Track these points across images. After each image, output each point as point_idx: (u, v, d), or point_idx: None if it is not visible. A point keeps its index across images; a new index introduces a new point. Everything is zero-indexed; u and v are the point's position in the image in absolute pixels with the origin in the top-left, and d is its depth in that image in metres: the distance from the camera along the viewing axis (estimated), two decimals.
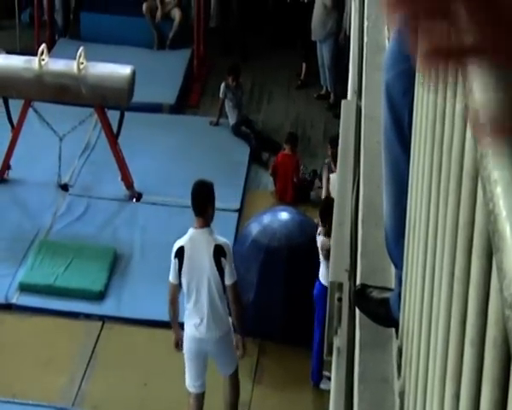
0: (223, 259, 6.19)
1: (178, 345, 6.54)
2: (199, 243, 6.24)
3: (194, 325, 6.32)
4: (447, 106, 1.65)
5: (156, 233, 9.05)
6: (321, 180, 9.90)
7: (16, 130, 9.54)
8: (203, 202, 6.33)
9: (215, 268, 6.19)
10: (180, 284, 6.31)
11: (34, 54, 9.45)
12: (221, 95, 10.96)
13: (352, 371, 2.81)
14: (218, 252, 6.18)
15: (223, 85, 10.90)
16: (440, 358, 1.64)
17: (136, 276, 8.49)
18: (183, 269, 6.24)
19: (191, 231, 6.32)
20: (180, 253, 6.25)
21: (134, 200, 9.59)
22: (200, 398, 6.57)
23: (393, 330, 2.61)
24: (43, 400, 7.10)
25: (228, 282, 6.24)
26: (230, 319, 6.43)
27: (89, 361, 7.48)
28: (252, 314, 7.33)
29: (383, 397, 2.49)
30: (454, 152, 1.53)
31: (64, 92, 9.20)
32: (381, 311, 2.64)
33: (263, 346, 7.60)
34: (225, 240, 6.38)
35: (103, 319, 7.95)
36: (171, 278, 6.35)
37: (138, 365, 7.47)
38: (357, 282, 2.97)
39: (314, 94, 12.05)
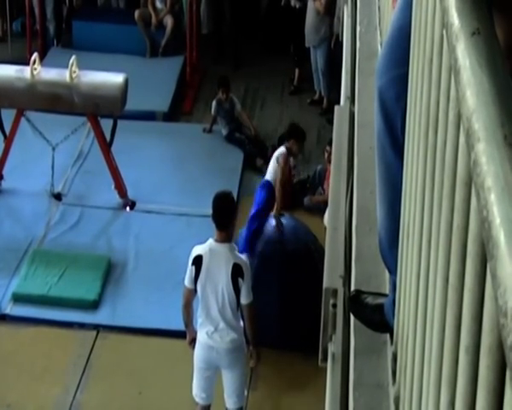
0: (240, 279, 6.09)
1: (192, 343, 6.43)
2: (218, 258, 6.12)
3: (206, 333, 6.24)
4: (440, 113, 1.65)
5: (150, 241, 9.04)
6: (313, 186, 9.91)
7: (9, 140, 9.52)
8: (227, 216, 6.20)
9: (231, 287, 6.10)
10: (195, 290, 6.22)
11: (26, 63, 9.44)
12: (213, 113, 10.95)
13: (347, 377, 2.80)
14: (237, 272, 6.08)
15: (214, 103, 10.89)
16: (435, 364, 1.63)
17: (130, 284, 8.47)
18: (200, 278, 6.13)
19: (211, 242, 6.16)
20: (198, 261, 6.13)
21: (128, 208, 9.58)
22: None
23: (388, 335, 2.60)
24: None
25: (243, 302, 6.17)
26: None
27: (83, 371, 7.46)
28: None
29: (378, 403, 2.48)
30: (447, 158, 1.53)
31: (56, 101, 9.18)
32: (376, 317, 2.64)
33: (258, 353, 7.57)
34: (245, 259, 6.27)
35: (98, 328, 7.93)
36: (187, 282, 6.24)
37: (133, 373, 7.46)
38: (352, 288, 2.96)
39: (307, 99, 12.06)
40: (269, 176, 8.61)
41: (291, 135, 9.18)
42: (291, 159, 9.22)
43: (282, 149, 8.85)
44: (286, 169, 8.76)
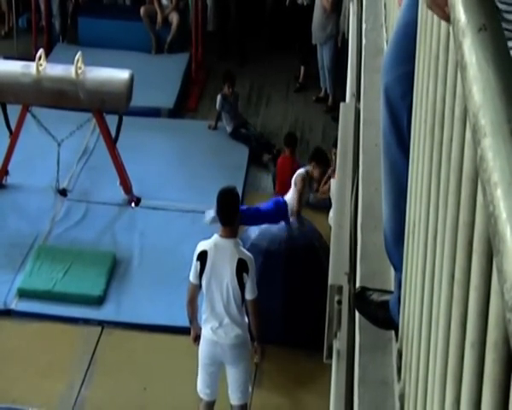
0: (245, 274, 6.11)
1: (196, 339, 6.43)
2: (223, 253, 6.13)
3: (211, 329, 6.25)
4: (446, 109, 1.65)
5: (155, 238, 9.05)
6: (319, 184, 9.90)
7: (14, 135, 9.53)
8: (231, 211, 6.23)
9: (236, 281, 6.11)
10: (200, 286, 6.22)
11: (32, 59, 9.45)
12: (218, 107, 10.94)
13: (352, 373, 2.81)
14: (241, 267, 6.09)
15: (219, 98, 10.87)
16: (440, 360, 1.64)
17: (135, 280, 8.48)
18: (205, 273, 6.14)
19: (216, 237, 6.19)
20: (203, 257, 6.14)
21: (133, 204, 9.59)
22: (209, 406, 6.52)
23: (393, 332, 2.61)
24: (42, 405, 7.09)
25: (248, 297, 6.18)
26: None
27: (88, 367, 7.47)
28: None
29: (383, 400, 2.48)
30: (453, 155, 1.53)
31: (62, 97, 9.19)
32: (381, 313, 2.64)
33: (262, 349, 7.58)
34: (249, 254, 6.26)
35: (102, 324, 7.94)
36: (192, 278, 6.25)
37: (138, 369, 7.46)
38: (357, 285, 2.97)
39: (312, 97, 12.06)
40: (287, 197, 8.31)
41: (313, 157, 8.94)
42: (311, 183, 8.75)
43: (301, 171, 8.56)
44: (303, 191, 8.36)
